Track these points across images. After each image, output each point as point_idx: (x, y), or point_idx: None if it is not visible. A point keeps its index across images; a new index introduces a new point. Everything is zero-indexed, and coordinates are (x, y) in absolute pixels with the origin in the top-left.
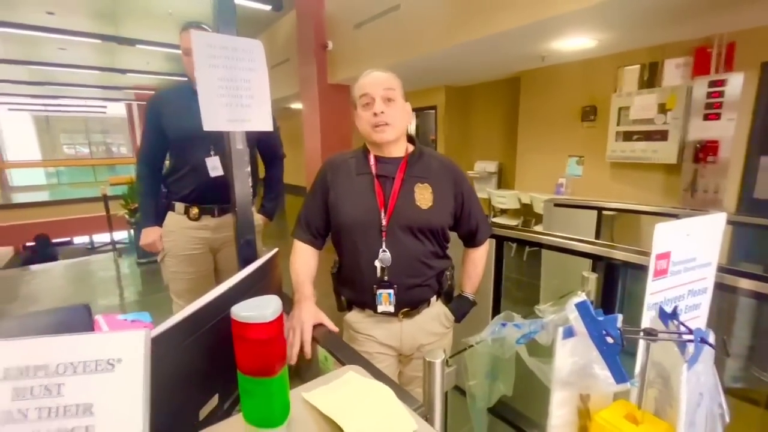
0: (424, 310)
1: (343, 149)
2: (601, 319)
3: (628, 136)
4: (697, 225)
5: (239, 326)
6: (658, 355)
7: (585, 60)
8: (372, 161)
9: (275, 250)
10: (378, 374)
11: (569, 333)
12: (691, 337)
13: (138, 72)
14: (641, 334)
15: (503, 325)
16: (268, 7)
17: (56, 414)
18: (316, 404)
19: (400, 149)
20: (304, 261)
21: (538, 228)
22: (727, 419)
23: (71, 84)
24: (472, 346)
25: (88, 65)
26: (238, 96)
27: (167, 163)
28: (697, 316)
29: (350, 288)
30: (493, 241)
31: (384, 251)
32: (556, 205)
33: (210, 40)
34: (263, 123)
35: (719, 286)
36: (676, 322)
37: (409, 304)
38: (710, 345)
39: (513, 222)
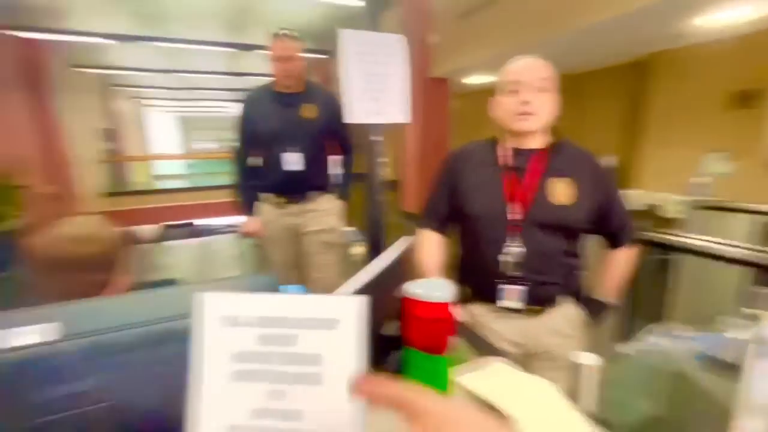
0: (552, 310)
1: (442, 144)
2: None
3: None
4: None
5: (420, 305)
6: None
7: (739, 35)
8: (501, 152)
9: (411, 238)
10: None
11: None
12: None
13: (255, 75)
14: None
15: (666, 335)
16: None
17: (292, 360)
18: (473, 388)
19: (539, 141)
20: (432, 250)
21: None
22: None
23: (204, 88)
24: (624, 355)
25: (218, 71)
26: (379, 90)
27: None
28: None
29: (473, 281)
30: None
31: (510, 246)
32: (704, 207)
33: (357, 37)
34: (402, 115)
35: None
36: None
37: (536, 302)
38: None
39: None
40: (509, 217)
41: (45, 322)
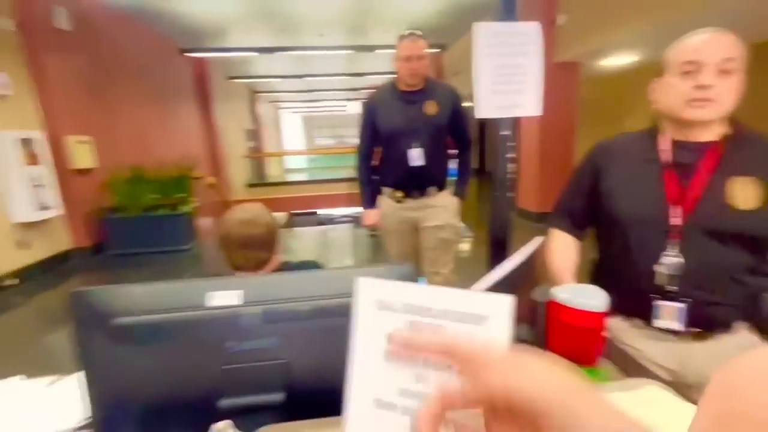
0: (723, 337)
1: (567, 136)
2: None
3: None
4: None
5: (571, 312)
6: None
7: None
8: (663, 146)
9: (542, 238)
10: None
11: None
12: None
13: (374, 74)
14: None
15: None
16: None
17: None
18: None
19: (712, 132)
20: (565, 252)
21: None
22: None
23: (324, 89)
24: None
25: (337, 73)
26: (511, 82)
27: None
28: None
29: (616, 292)
30: None
31: (671, 256)
32: None
33: (492, 29)
34: (534, 108)
35: None
36: None
37: (700, 324)
38: None
39: None
40: (671, 222)
41: (233, 289)
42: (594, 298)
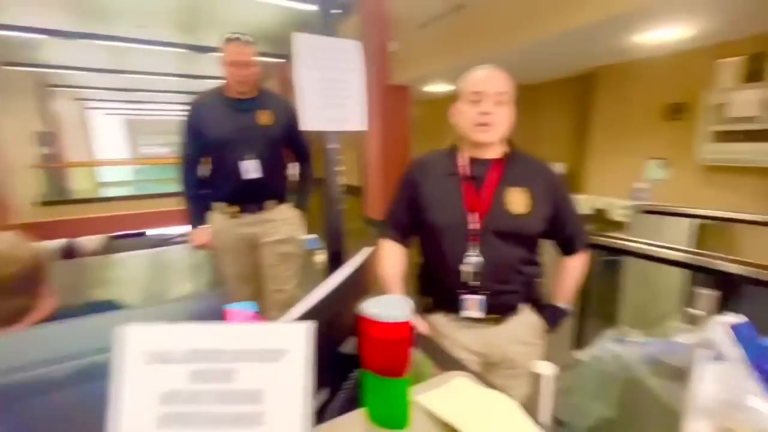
0: (512, 318)
1: (403, 150)
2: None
3: (725, 137)
4: None
5: (371, 324)
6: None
7: (674, 52)
8: (461, 161)
9: (371, 248)
10: (484, 383)
11: (717, 357)
12: None
13: (211, 78)
14: None
15: (619, 341)
16: (338, 11)
17: (230, 399)
18: (433, 409)
19: (496, 151)
20: (393, 261)
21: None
22: None
23: (154, 90)
24: (580, 361)
25: (169, 72)
26: (336, 96)
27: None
28: None
29: (435, 291)
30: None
31: (471, 256)
32: (645, 212)
33: (312, 42)
34: (359, 123)
35: None
36: None
37: (496, 311)
38: None
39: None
40: (470, 227)
41: None
42: (396, 309)
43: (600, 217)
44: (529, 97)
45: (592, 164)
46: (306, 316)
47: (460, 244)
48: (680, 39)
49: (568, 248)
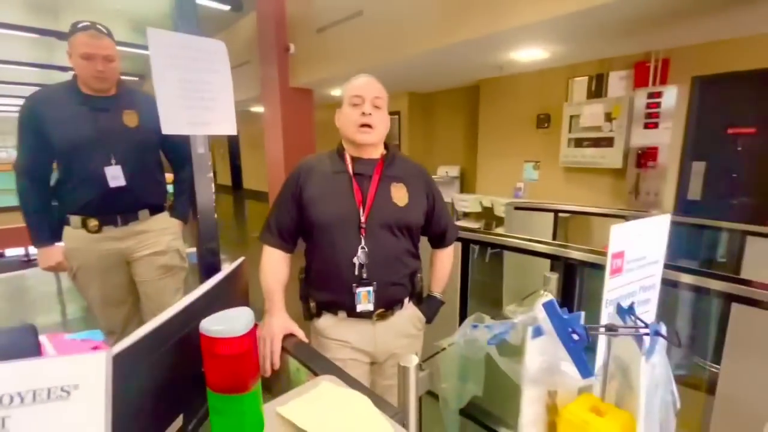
0: (398, 312)
1: (306, 153)
2: (566, 317)
3: (578, 143)
4: (646, 226)
5: (209, 341)
6: (617, 350)
7: (539, 70)
8: (348, 161)
9: (242, 259)
10: (353, 383)
11: (538, 332)
12: (647, 330)
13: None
14: (603, 330)
15: (474, 326)
16: (227, 7)
17: None
18: (291, 418)
19: (376, 152)
20: (275, 267)
21: (500, 230)
22: (678, 406)
23: (8, 82)
24: (444, 348)
25: (23, 61)
26: (200, 98)
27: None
28: (647, 310)
29: (325, 290)
30: (459, 244)
31: (363, 248)
32: (517, 208)
33: (169, 39)
34: (227, 127)
35: (664, 282)
36: (633, 318)
37: (385, 304)
38: (664, 338)
39: (475, 225)
40: (361, 219)
41: None
42: (232, 323)
43: (487, 213)
44: (425, 105)
45: (480, 167)
46: (159, 333)
47: (352, 238)
48: (541, 59)
49: (440, 241)
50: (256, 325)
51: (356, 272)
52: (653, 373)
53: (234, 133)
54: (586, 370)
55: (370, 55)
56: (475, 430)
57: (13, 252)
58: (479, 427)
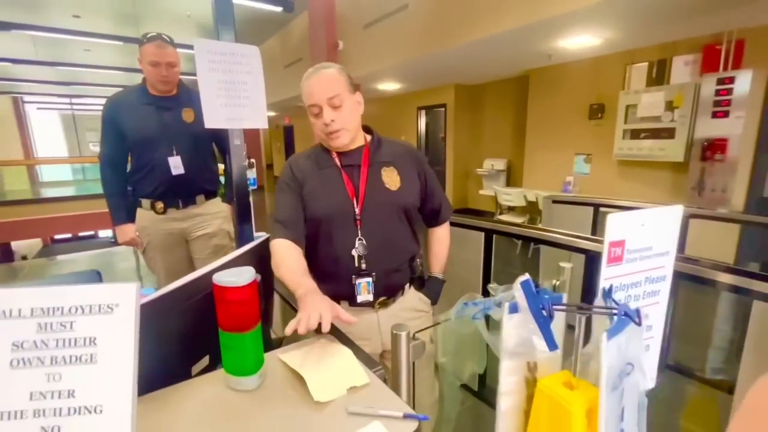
0: (399, 299)
1: None
2: (537, 296)
3: (635, 134)
4: (652, 216)
5: (220, 290)
6: (597, 332)
7: (592, 58)
8: (334, 155)
9: (266, 236)
10: (347, 342)
11: (514, 308)
12: (615, 311)
13: None
14: (573, 308)
15: (466, 304)
16: (278, 8)
17: (69, 344)
18: (287, 362)
19: (358, 140)
20: (294, 258)
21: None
22: (652, 385)
23: (96, 84)
24: (438, 323)
25: (111, 66)
26: (236, 97)
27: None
28: (656, 302)
29: (325, 283)
30: (482, 234)
31: (360, 240)
32: (555, 201)
33: (210, 47)
34: (259, 121)
35: (684, 276)
36: (611, 300)
37: (386, 292)
38: (632, 319)
39: (519, 219)
40: (356, 210)
41: None
42: (244, 275)
43: (532, 208)
44: (472, 97)
45: (528, 160)
46: (189, 287)
47: (349, 231)
48: (594, 46)
49: (435, 219)
50: (256, 281)
51: (355, 264)
52: (621, 351)
53: (265, 126)
54: (552, 343)
55: (415, 48)
56: (474, 403)
57: (103, 233)
58: (480, 401)
